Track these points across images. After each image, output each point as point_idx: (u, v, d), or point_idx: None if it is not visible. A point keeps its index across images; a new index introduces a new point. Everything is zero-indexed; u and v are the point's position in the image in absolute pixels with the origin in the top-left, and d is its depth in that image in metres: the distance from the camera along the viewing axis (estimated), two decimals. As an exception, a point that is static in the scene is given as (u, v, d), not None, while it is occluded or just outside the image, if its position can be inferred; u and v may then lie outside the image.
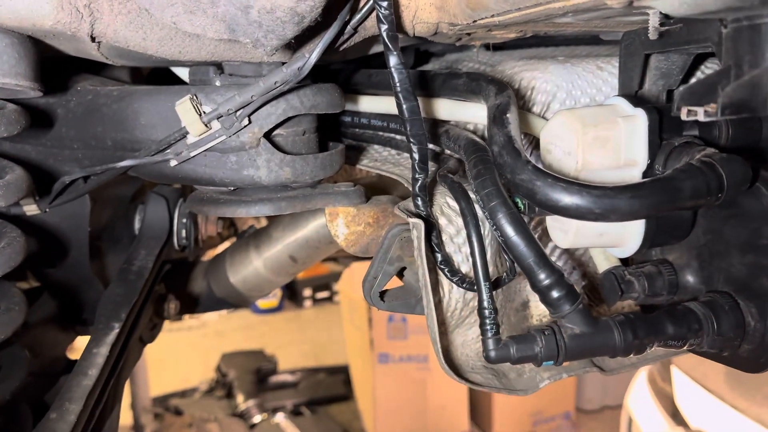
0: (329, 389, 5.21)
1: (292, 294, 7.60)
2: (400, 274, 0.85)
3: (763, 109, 0.50)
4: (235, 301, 1.37)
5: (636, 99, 0.73)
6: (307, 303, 7.51)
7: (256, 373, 5.26)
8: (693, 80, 0.84)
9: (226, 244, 1.44)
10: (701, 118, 0.53)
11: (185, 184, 0.88)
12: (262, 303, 7.32)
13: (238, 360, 5.51)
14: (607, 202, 0.60)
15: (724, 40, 0.55)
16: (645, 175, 0.70)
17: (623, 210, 0.60)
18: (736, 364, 0.74)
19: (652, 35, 0.62)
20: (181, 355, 5.98)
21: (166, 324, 1.19)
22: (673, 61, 0.78)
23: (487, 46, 1.13)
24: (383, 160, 0.99)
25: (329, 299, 7.50)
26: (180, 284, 1.36)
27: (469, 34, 0.84)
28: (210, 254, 1.45)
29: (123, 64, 0.87)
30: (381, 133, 1.00)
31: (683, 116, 0.55)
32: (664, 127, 0.70)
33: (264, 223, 1.35)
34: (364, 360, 4.77)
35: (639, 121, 0.70)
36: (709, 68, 0.87)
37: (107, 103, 0.80)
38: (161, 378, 5.18)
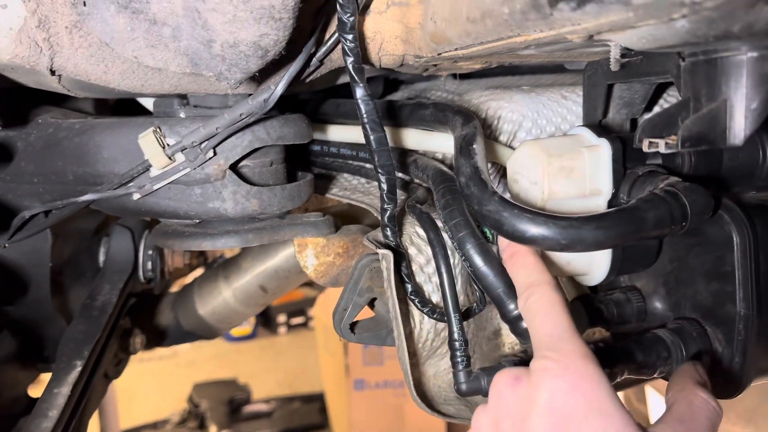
0: (304, 418, 5.12)
1: (266, 320, 7.49)
2: (371, 304, 0.84)
3: (722, 141, 0.50)
4: (204, 333, 1.34)
5: (600, 128, 0.74)
6: (282, 329, 7.40)
7: (230, 404, 5.17)
8: (656, 109, 0.85)
9: (195, 274, 1.41)
10: (662, 150, 0.54)
11: (149, 217, 0.87)
12: (235, 330, 7.19)
13: (211, 390, 5.41)
14: (573, 232, 0.60)
15: (682, 73, 0.56)
16: (610, 203, 0.71)
17: (589, 241, 0.60)
18: (705, 391, 0.74)
19: (614, 67, 0.63)
20: (152, 385, 5.84)
21: (137, 354, 1.16)
22: (636, 91, 0.80)
23: (454, 75, 1.14)
24: (353, 189, 0.99)
25: (304, 325, 7.41)
26: (146, 317, 1.33)
27: (435, 65, 0.84)
28: (178, 285, 1.42)
29: (86, 96, 0.86)
30: (350, 161, 1.00)
31: (645, 148, 0.56)
32: (627, 156, 0.71)
33: (236, 251, 1.33)
34: (340, 387, 4.71)
35: (603, 150, 0.70)
36: (671, 96, 0.89)
37: (68, 136, 0.79)
38: (131, 410, 5.04)
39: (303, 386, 5.79)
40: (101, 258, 1.09)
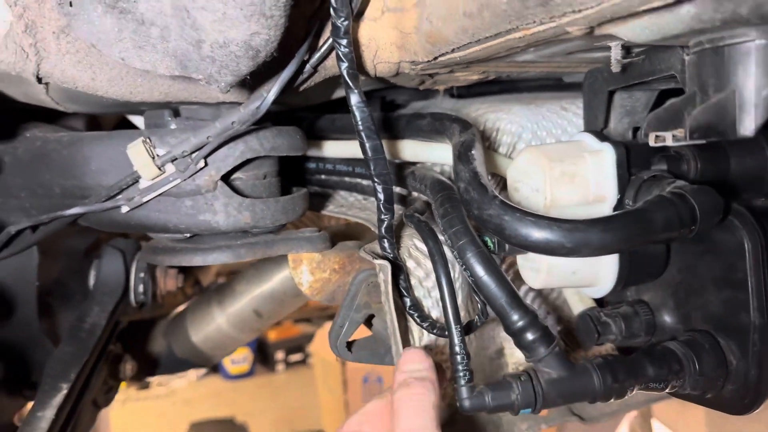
0: (303, 456, 5.00)
1: (263, 358, 7.37)
2: (369, 323, 0.81)
3: (732, 132, 0.48)
4: (198, 361, 1.30)
5: (602, 135, 0.72)
6: (280, 367, 7.28)
7: (227, 443, 5.05)
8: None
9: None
10: (670, 143, 0.51)
11: (138, 231, 0.84)
12: (232, 368, 7.07)
13: (208, 429, 5.29)
14: (578, 236, 0.57)
15: (687, 67, 0.54)
16: (615, 210, 0.68)
17: (595, 244, 0.57)
18: (720, 407, 0.70)
19: (615, 68, 0.61)
20: (148, 424, 5.71)
21: (132, 392, 1.12)
22: (637, 98, 0.78)
23: (451, 94, 1.12)
24: (349, 206, 0.96)
25: (303, 362, 7.29)
26: (139, 345, 1.29)
27: (431, 75, 0.83)
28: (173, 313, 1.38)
29: (75, 110, 0.84)
30: (346, 178, 0.98)
31: (651, 142, 0.54)
32: (632, 161, 0.69)
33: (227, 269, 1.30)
34: (340, 424, 4.61)
35: (606, 155, 0.68)
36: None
37: (56, 149, 0.77)
38: (126, 450, 4.92)
39: (302, 424, 5.67)
40: (91, 281, 1.06)
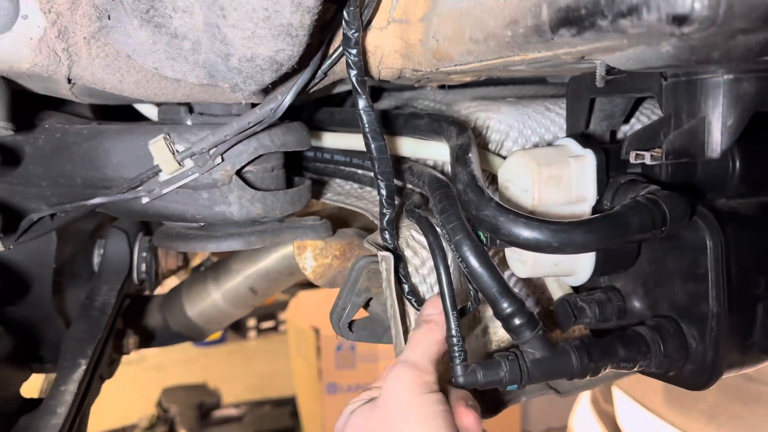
0: (275, 422, 5.11)
1: (235, 325, 7.43)
2: (366, 305, 0.88)
3: (701, 154, 0.56)
4: (192, 334, 1.36)
5: (584, 139, 0.80)
6: (252, 333, 7.36)
7: (199, 408, 5.12)
8: (637, 124, 0.91)
9: (175, 278, 1.43)
10: (648, 162, 0.59)
11: (156, 220, 0.89)
12: (204, 335, 7.13)
13: (180, 395, 5.35)
14: (564, 236, 0.65)
15: (664, 91, 0.61)
16: (594, 209, 0.76)
17: (578, 243, 0.65)
18: (681, 383, 0.80)
19: (599, 83, 0.68)
20: (120, 390, 5.75)
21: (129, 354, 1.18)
22: (616, 104, 0.86)
23: (441, 85, 1.19)
24: (346, 194, 1.03)
25: (274, 329, 7.39)
26: (135, 319, 1.35)
27: (429, 78, 0.89)
28: (165, 287, 1.44)
29: (90, 102, 0.88)
30: (343, 167, 1.04)
31: (632, 160, 0.62)
32: (610, 165, 0.77)
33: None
34: (312, 391, 4.72)
35: (588, 160, 0.76)
36: (647, 108, 0.95)
37: (77, 141, 0.81)
38: (98, 415, 4.97)
39: (274, 390, 5.77)
40: (96, 260, 1.11)
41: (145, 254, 1.12)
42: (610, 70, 0.70)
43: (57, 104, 0.97)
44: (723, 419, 3.08)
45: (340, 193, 1.04)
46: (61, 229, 0.92)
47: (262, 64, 0.64)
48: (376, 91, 1.32)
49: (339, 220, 1.16)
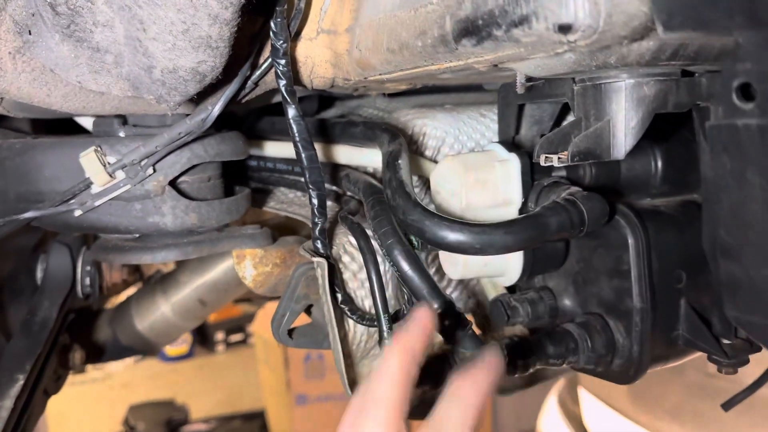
0: (246, 436, 5.07)
1: (203, 339, 7.33)
2: (308, 312, 0.89)
3: (607, 155, 0.59)
4: (142, 348, 1.36)
5: (511, 145, 0.82)
6: (220, 347, 7.27)
7: (167, 425, 5.04)
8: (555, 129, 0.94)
9: (130, 291, 1.42)
10: (556, 164, 0.62)
11: (90, 232, 0.89)
12: (171, 350, 7.01)
13: (147, 411, 5.26)
14: (485, 237, 0.67)
15: (575, 96, 0.64)
16: (520, 211, 0.79)
17: (499, 244, 0.67)
18: (609, 378, 0.83)
19: (519, 90, 0.71)
20: (86, 408, 5.64)
21: (69, 377, 1.17)
22: (545, 110, 0.88)
23: (383, 94, 1.21)
24: (289, 202, 1.04)
25: (243, 342, 7.31)
26: (84, 333, 1.33)
27: (364, 86, 0.91)
28: (114, 302, 1.43)
29: (23, 116, 0.88)
30: (286, 176, 1.05)
31: (542, 163, 0.64)
32: (535, 168, 0.79)
33: (171, 266, 1.36)
34: (281, 403, 4.69)
35: (513, 164, 0.78)
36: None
37: (9, 156, 0.81)
38: (64, 434, 4.86)
39: (243, 404, 5.71)
40: (39, 275, 1.10)
41: (88, 268, 1.11)
42: (529, 79, 0.73)
43: (-4, 120, 0.97)
44: (687, 417, 3.17)
45: (284, 202, 1.05)
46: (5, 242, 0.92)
47: (185, 75, 0.64)
48: (327, 99, 1.34)
49: (287, 230, 1.17)
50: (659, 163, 0.84)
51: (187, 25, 0.60)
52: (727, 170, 0.46)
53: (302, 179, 1.03)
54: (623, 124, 0.58)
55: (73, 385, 6.04)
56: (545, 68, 0.59)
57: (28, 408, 0.90)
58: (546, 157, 0.62)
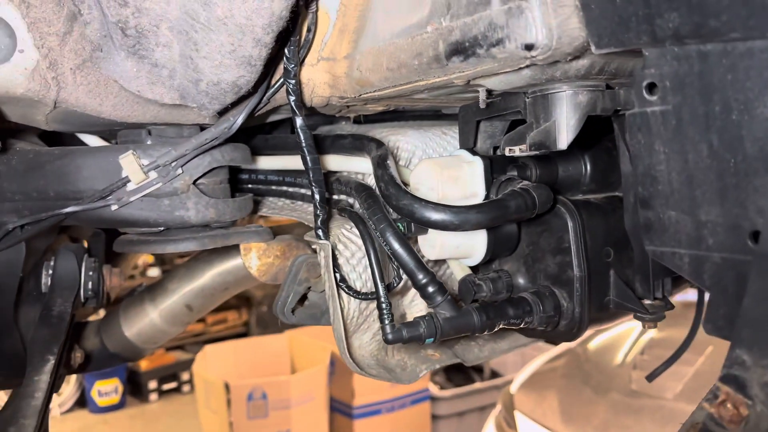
0: (184, 484, 4.95)
1: (135, 388, 7.15)
2: (304, 297, 1.05)
3: (554, 145, 0.79)
4: (130, 354, 1.45)
5: (473, 152, 1.03)
6: (153, 396, 7.11)
7: (101, 476, 4.88)
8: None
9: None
10: (517, 153, 0.82)
11: (122, 227, 1.01)
12: (101, 401, 6.82)
13: (78, 464, 5.08)
14: (462, 216, 0.86)
15: (527, 106, 0.85)
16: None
17: (473, 221, 0.86)
18: (557, 338, 1.02)
19: (482, 105, 0.91)
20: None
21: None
22: (496, 126, 1.09)
23: (355, 120, 1.40)
24: (280, 208, 1.20)
25: (177, 390, 7.18)
26: (72, 343, 1.42)
27: (348, 106, 1.09)
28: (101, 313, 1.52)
29: (55, 129, 1.01)
30: (275, 187, 1.22)
31: (507, 153, 0.84)
32: (494, 169, 1.00)
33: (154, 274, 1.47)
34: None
35: (477, 165, 0.98)
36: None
37: (50, 160, 0.94)
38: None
39: (180, 453, 5.59)
40: (44, 280, 1.20)
41: (91, 273, 1.22)
42: (489, 94, 0.94)
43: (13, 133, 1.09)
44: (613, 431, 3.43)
45: (275, 208, 1.21)
46: (28, 243, 1.03)
47: (226, 87, 0.81)
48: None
49: (280, 232, 1.32)
50: (588, 166, 1.06)
51: (234, 46, 0.77)
52: (642, 144, 0.66)
53: (290, 189, 1.20)
54: (565, 123, 0.79)
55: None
56: (507, 82, 0.79)
57: (54, 388, 1.00)
58: (509, 149, 0.83)
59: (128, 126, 0.98)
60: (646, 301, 0.99)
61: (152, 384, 7.11)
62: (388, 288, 0.99)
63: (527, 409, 3.73)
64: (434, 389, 4.97)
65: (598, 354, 3.89)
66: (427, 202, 0.87)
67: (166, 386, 7.17)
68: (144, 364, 7.11)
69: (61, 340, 1.01)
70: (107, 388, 6.86)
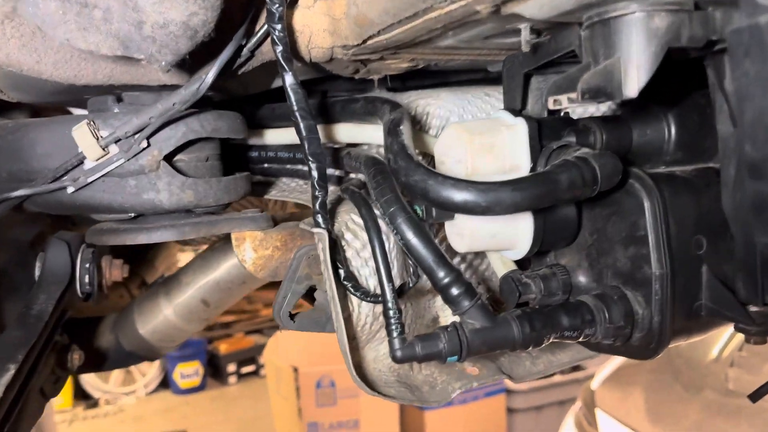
0: (257, 467, 4.97)
1: (215, 371, 7.31)
2: (312, 297, 0.85)
3: (619, 93, 0.55)
4: (146, 353, 1.32)
5: (517, 112, 0.79)
6: (232, 379, 7.23)
7: (179, 457, 4.97)
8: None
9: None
10: (565, 104, 0.59)
11: (84, 213, 0.86)
12: (183, 383, 7.00)
13: (159, 445, 5.21)
14: (492, 195, 0.64)
15: (583, 41, 0.61)
16: (530, 177, 0.75)
17: (506, 202, 0.64)
18: (629, 353, 0.78)
19: (525, 47, 0.68)
20: (99, 443, 5.59)
21: (79, 411, 1.13)
22: (551, 81, 0.85)
23: (387, 87, 1.19)
24: (291, 190, 1.01)
25: (255, 373, 7.26)
26: (86, 340, 1.30)
27: (364, 63, 0.88)
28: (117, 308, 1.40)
29: (19, 99, 0.86)
30: (288, 165, 1.03)
31: (550, 105, 0.61)
32: (543, 134, 0.76)
33: (174, 269, 1.33)
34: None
35: (520, 128, 0.75)
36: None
37: (2, 135, 0.79)
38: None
39: (256, 435, 5.64)
40: (37, 273, 1.07)
41: (87, 265, 1.08)
42: (535, 35, 0.70)
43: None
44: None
45: (285, 190, 1.02)
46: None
47: (176, 30, 0.62)
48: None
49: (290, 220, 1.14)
50: (673, 129, 0.80)
51: (176, -27, 0.58)
52: (750, 77, 0.42)
53: (303, 167, 1.00)
54: (635, 59, 0.55)
55: (85, 419, 6.01)
56: (552, 5, 0.56)
57: (20, 402, 0.86)
58: (555, 99, 0.59)
59: (94, 91, 0.81)
60: (752, 308, 0.73)
61: (231, 367, 7.23)
62: (402, 289, 0.78)
63: (609, 406, 3.43)
64: (509, 381, 4.72)
65: (691, 348, 3.49)
66: (446, 178, 0.65)
67: (245, 369, 7.28)
68: (223, 348, 7.25)
69: (30, 344, 0.87)
70: (188, 371, 7.03)
